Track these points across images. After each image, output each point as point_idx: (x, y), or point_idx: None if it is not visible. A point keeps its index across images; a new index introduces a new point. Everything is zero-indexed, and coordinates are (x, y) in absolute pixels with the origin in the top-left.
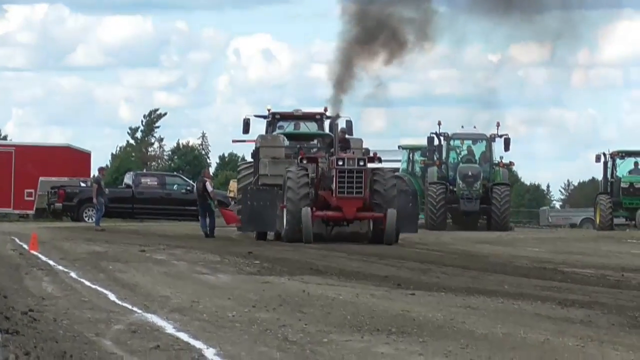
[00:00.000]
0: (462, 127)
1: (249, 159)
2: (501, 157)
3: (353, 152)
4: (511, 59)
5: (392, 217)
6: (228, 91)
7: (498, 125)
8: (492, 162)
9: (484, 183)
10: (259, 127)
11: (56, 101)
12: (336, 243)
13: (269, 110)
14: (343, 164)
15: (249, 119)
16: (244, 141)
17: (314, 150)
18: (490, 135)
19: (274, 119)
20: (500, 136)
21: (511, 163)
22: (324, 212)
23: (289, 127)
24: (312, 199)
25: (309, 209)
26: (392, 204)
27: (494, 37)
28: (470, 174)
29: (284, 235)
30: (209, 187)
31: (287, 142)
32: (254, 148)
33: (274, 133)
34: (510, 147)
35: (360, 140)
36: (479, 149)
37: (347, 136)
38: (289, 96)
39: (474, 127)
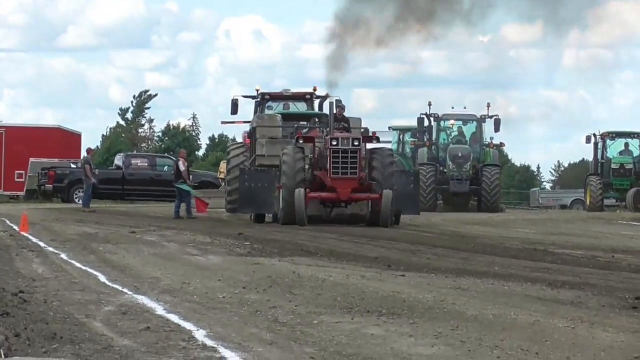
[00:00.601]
0: (453, 107)
1: (239, 139)
2: (491, 138)
3: (350, 131)
4: (502, 40)
5: (387, 198)
6: (219, 72)
7: (488, 106)
8: (482, 143)
9: (473, 164)
10: (247, 108)
11: (48, 82)
12: (333, 225)
13: (257, 90)
14: (337, 144)
15: (237, 100)
16: (233, 122)
17: (306, 130)
18: (481, 116)
19: (263, 99)
20: (491, 117)
21: (502, 144)
22: (318, 193)
23: (278, 107)
24: (308, 180)
25: (302, 190)
26: (389, 185)
27: (486, 18)
28: (460, 154)
29: (279, 217)
30: (181, 167)
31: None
32: (249, 128)
33: (271, 112)
34: (501, 128)
35: (359, 120)
36: (469, 130)
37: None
38: (280, 77)
39: (464, 107)
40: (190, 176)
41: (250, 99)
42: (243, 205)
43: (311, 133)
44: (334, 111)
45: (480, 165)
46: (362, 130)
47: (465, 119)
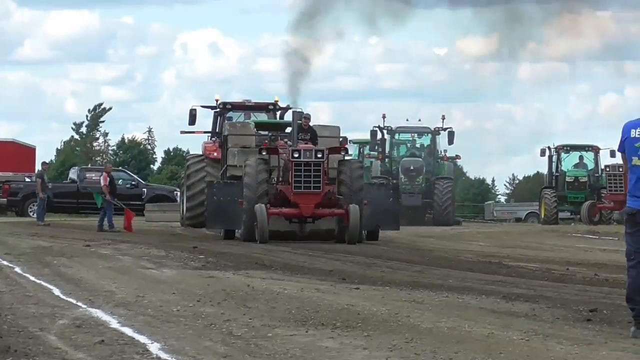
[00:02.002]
0: (407, 120)
1: (195, 152)
2: (445, 151)
3: (316, 143)
4: (458, 53)
5: (354, 213)
6: (175, 85)
7: (443, 118)
8: (436, 155)
9: (427, 177)
10: (205, 121)
11: (3, 95)
12: (303, 242)
13: (217, 100)
14: (299, 156)
15: (195, 110)
16: (192, 132)
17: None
18: (435, 129)
19: (223, 109)
20: (445, 129)
21: (457, 156)
22: (280, 208)
23: (239, 118)
24: (272, 194)
25: (264, 205)
26: (358, 199)
27: (441, 31)
28: (412, 167)
29: (241, 234)
30: (102, 182)
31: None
32: (207, 139)
33: (246, 120)
34: (456, 141)
35: (337, 128)
36: (425, 142)
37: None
38: (237, 90)
39: (419, 120)
40: (107, 193)
41: (209, 109)
42: (212, 221)
43: (277, 144)
44: (298, 121)
45: (434, 178)
46: (340, 139)
47: (419, 132)
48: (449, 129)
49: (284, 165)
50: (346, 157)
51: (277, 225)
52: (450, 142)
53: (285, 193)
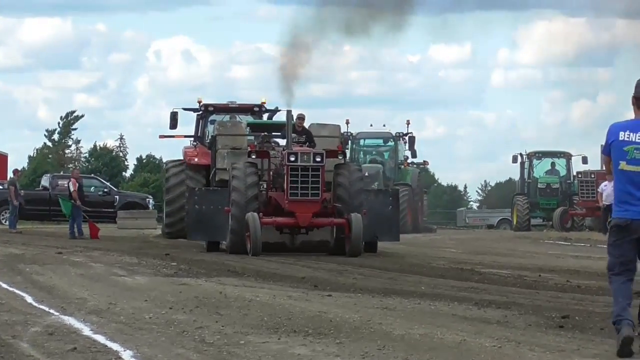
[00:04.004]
0: (371, 125)
1: (170, 158)
2: (405, 157)
3: (313, 146)
4: (431, 60)
5: (357, 223)
6: (148, 92)
7: (408, 123)
8: (396, 161)
9: (387, 183)
10: (184, 126)
11: None
12: (297, 254)
13: (200, 102)
14: (295, 160)
15: (176, 112)
16: (172, 136)
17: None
18: (396, 134)
19: (206, 112)
20: (406, 134)
21: (425, 162)
22: (274, 218)
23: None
24: (262, 201)
25: (257, 214)
26: (357, 207)
27: (413, 38)
28: (367, 174)
29: (227, 245)
30: (71, 187)
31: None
32: (189, 143)
33: (236, 119)
34: (420, 147)
35: (338, 127)
36: (391, 148)
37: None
38: (210, 97)
39: (384, 125)
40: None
41: (191, 112)
42: (193, 231)
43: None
44: (292, 122)
45: (392, 184)
46: (340, 139)
47: (381, 137)
48: (409, 134)
49: (276, 170)
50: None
51: (266, 236)
52: (411, 147)
53: (277, 200)
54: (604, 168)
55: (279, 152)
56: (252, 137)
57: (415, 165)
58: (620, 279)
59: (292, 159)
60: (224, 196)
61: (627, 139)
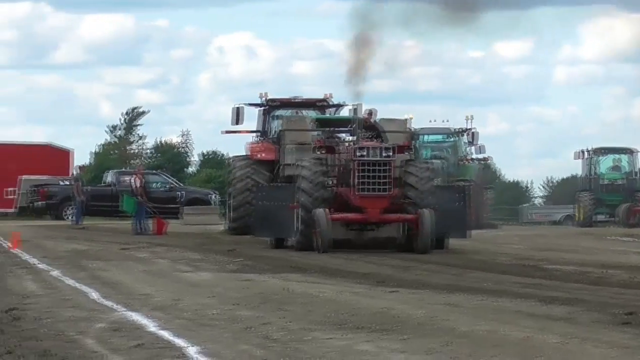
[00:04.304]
0: (432, 121)
1: (232, 154)
2: (466, 153)
3: (382, 140)
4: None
5: (427, 219)
6: (210, 88)
7: (467, 119)
8: (457, 157)
9: (448, 179)
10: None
11: (38, 99)
12: (365, 251)
13: (263, 96)
14: (364, 155)
15: (240, 108)
16: (236, 132)
17: (346, 137)
18: (457, 130)
19: (270, 107)
20: (466, 130)
21: (486, 158)
22: (343, 213)
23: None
24: (330, 197)
25: (325, 210)
26: (427, 203)
27: (477, 34)
28: None
29: (295, 242)
30: (133, 184)
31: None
32: (251, 139)
33: (302, 114)
34: (486, 143)
35: (405, 121)
36: (452, 144)
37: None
38: (271, 93)
39: (447, 120)
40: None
41: (255, 107)
42: (260, 228)
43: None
44: (361, 116)
45: (454, 180)
46: (407, 133)
47: (441, 133)
48: (472, 130)
49: (344, 165)
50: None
51: (333, 233)
52: (473, 143)
53: (346, 196)
54: None
55: (347, 147)
56: (318, 133)
57: (476, 161)
58: None
59: (361, 153)
60: (291, 192)
61: None
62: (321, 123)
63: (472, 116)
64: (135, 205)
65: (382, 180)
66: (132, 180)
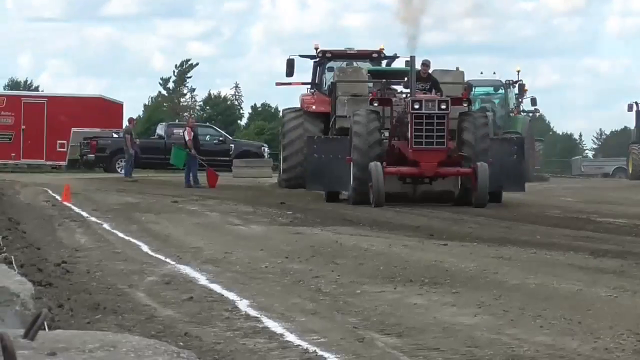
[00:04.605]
0: (481, 73)
1: (285, 106)
2: (515, 105)
3: (438, 93)
4: (545, 7)
5: (483, 172)
6: (262, 41)
7: (518, 72)
8: (507, 110)
9: (497, 132)
10: (301, 73)
11: (90, 52)
12: (423, 206)
13: (316, 48)
14: (420, 108)
15: (293, 60)
16: (289, 84)
17: (401, 89)
18: (506, 82)
19: (323, 58)
20: (516, 82)
21: (536, 110)
22: (397, 167)
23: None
24: (385, 150)
25: (380, 163)
26: (484, 157)
27: None
28: None
29: (349, 195)
30: (186, 136)
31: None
32: (307, 91)
33: (355, 65)
34: (539, 96)
35: (462, 74)
36: (501, 96)
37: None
38: (324, 46)
39: (494, 73)
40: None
41: (308, 59)
42: (313, 181)
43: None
44: (417, 68)
45: (502, 133)
46: (464, 86)
47: (490, 85)
48: (519, 82)
49: (399, 118)
50: (469, 109)
51: (387, 186)
52: (521, 95)
53: (401, 149)
54: None
55: (402, 100)
56: (372, 84)
57: (525, 113)
58: None
59: (417, 106)
60: (344, 145)
61: None
62: (374, 75)
63: (519, 70)
64: (185, 158)
65: (438, 134)
66: (184, 133)
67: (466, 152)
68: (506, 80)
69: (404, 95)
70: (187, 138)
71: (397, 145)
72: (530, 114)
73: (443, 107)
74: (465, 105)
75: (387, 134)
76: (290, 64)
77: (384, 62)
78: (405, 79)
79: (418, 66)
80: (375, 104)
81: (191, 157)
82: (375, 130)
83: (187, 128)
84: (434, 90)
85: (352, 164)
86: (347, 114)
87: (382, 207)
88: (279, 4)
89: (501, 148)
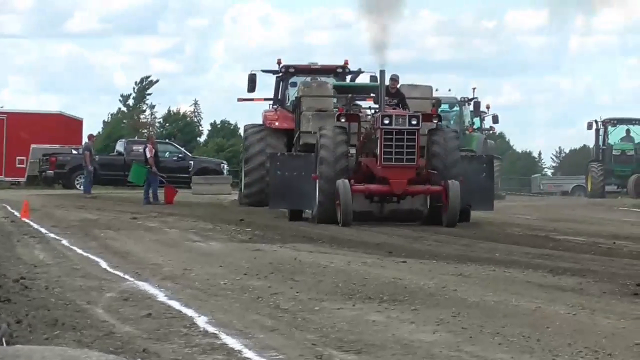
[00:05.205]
0: (436, 90)
1: (245, 123)
2: (470, 122)
3: (406, 108)
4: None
5: (455, 191)
6: (224, 57)
7: (474, 89)
8: (461, 127)
9: None
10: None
11: (51, 68)
12: (386, 225)
13: (279, 63)
14: (390, 123)
15: (255, 75)
16: (250, 99)
17: (368, 105)
18: (461, 99)
19: (286, 74)
20: (471, 100)
21: (491, 128)
22: (366, 185)
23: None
24: (352, 167)
25: (347, 181)
26: (454, 174)
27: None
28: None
29: (315, 213)
30: (147, 153)
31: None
32: (269, 107)
33: (322, 80)
34: (500, 114)
35: (429, 88)
36: (456, 114)
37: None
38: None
39: (449, 90)
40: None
41: (270, 74)
42: (276, 199)
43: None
44: (385, 83)
45: None
46: (433, 101)
47: (445, 102)
48: (474, 99)
49: (366, 134)
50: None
51: (353, 205)
52: (476, 113)
53: (369, 166)
54: None
55: (370, 115)
56: (336, 100)
57: (479, 132)
58: None
59: (387, 121)
60: (309, 162)
61: None
62: (339, 90)
63: (475, 87)
64: (145, 175)
65: (408, 150)
66: (146, 150)
67: (436, 169)
68: (461, 98)
69: (370, 112)
70: (148, 155)
71: (365, 161)
72: (485, 132)
73: (414, 122)
74: (436, 121)
75: (353, 150)
76: (252, 79)
77: (348, 78)
78: (372, 94)
79: (386, 81)
80: (343, 120)
81: (151, 174)
82: (342, 143)
83: (148, 145)
84: (401, 106)
85: (317, 181)
86: (312, 129)
87: (350, 226)
88: (241, 21)
89: (470, 166)
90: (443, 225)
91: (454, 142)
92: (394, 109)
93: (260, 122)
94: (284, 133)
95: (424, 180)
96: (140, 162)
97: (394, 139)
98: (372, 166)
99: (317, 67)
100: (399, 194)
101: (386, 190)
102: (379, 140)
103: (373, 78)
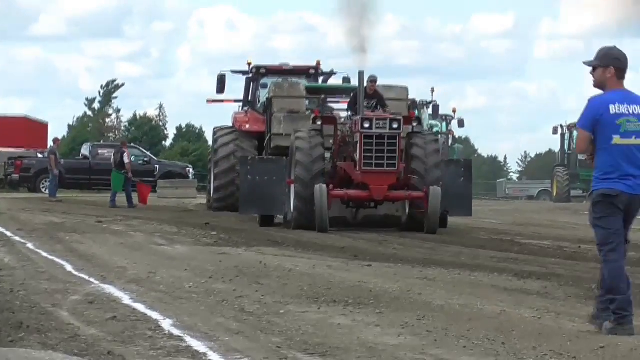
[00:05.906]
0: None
1: (212, 126)
2: (428, 126)
3: (385, 111)
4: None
5: (435, 197)
6: (189, 62)
7: (432, 91)
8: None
9: None
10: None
11: (16, 72)
12: (362, 230)
13: (249, 64)
14: (370, 127)
15: (224, 75)
16: (220, 101)
17: (339, 107)
18: (420, 102)
19: (257, 74)
20: (429, 103)
21: (450, 132)
22: (344, 190)
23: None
24: (329, 172)
25: (325, 186)
26: (434, 179)
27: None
28: None
29: (291, 219)
30: (126, 159)
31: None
32: (239, 109)
33: (294, 80)
34: (465, 118)
35: (405, 89)
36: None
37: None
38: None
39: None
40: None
41: (240, 75)
42: (246, 204)
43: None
44: (364, 85)
45: None
46: (407, 102)
47: None
48: (433, 103)
49: (344, 138)
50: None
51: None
52: (435, 116)
53: (347, 171)
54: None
55: (344, 118)
56: (308, 102)
57: (439, 135)
58: (616, 256)
59: (367, 125)
60: (280, 165)
61: (618, 112)
62: (311, 92)
63: (434, 89)
64: (123, 181)
65: (388, 155)
66: (124, 156)
67: (416, 175)
68: (420, 101)
69: (343, 114)
70: (126, 160)
71: (342, 166)
72: (443, 136)
73: (395, 126)
74: (415, 124)
75: (327, 154)
76: (221, 80)
77: (320, 79)
78: (347, 95)
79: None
80: (319, 122)
81: (127, 179)
82: (318, 146)
83: (126, 151)
84: (380, 107)
85: (293, 186)
86: (284, 132)
87: (327, 232)
88: (207, 25)
89: (448, 171)
90: (425, 232)
91: (433, 145)
92: (372, 111)
93: (231, 125)
94: (255, 136)
95: (403, 185)
96: (116, 169)
97: (374, 144)
98: (350, 171)
99: (288, 67)
100: (379, 200)
101: (366, 196)
102: (358, 145)
103: (346, 79)
